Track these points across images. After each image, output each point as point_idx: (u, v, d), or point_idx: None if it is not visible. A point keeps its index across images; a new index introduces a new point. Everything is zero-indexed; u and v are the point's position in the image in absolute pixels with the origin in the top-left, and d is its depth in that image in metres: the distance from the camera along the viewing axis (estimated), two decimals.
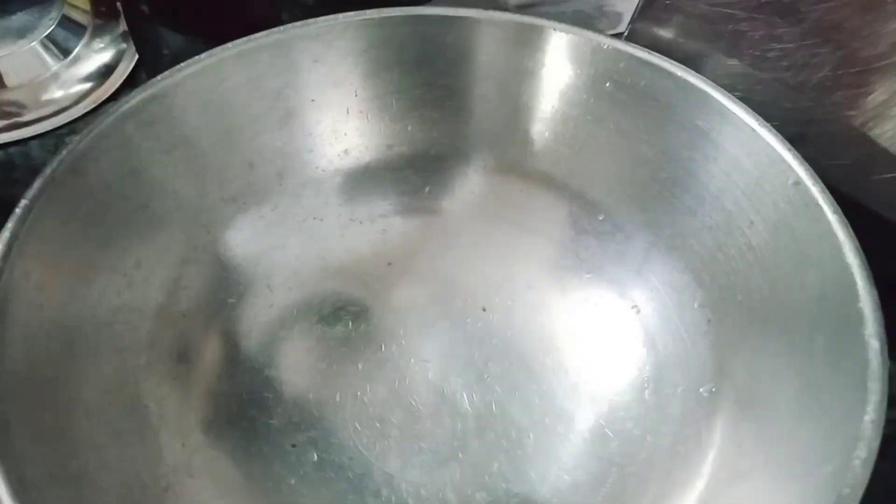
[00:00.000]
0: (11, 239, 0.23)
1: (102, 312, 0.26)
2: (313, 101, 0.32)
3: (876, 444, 0.19)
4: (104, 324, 0.26)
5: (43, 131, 0.37)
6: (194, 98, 0.29)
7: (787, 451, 0.22)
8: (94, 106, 0.38)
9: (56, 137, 0.36)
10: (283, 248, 0.32)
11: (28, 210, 0.24)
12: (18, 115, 0.37)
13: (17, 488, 0.19)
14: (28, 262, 0.24)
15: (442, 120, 0.34)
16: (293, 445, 0.28)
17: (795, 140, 0.26)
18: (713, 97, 0.28)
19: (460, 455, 0.28)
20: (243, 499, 0.26)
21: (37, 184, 0.24)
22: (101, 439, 0.24)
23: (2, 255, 0.22)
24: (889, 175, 0.29)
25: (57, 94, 0.38)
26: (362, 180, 0.34)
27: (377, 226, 0.34)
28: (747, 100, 0.28)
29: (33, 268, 0.24)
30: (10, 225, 0.23)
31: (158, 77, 0.28)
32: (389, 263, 0.34)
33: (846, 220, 0.24)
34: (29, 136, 0.36)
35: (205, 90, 0.29)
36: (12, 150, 0.36)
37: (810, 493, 0.20)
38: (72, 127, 0.37)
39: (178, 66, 0.28)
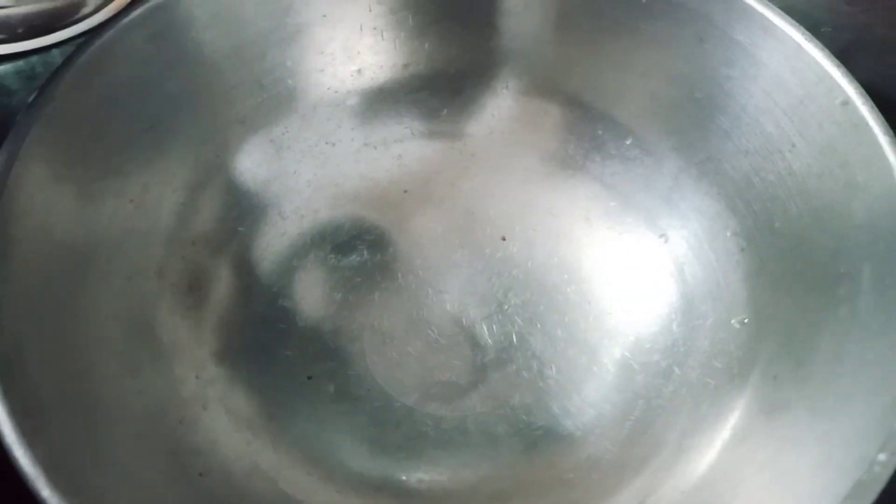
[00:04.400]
0: (9, 159, 0.22)
1: (111, 236, 0.25)
2: (325, 16, 0.30)
3: None
4: (114, 249, 0.25)
5: (65, 38, 0.34)
6: (200, 10, 0.27)
7: (829, 387, 0.21)
8: (116, 12, 0.35)
9: (77, 45, 0.34)
10: (294, 173, 0.31)
11: (26, 129, 0.22)
12: (38, 21, 0.35)
13: (20, 419, 0.18)
14: (31, 184, 0.22)
15: (462, 36, 0.32)
16: (309, 377, 0.27)
17: (849, 48, 0.24)
18: (754, 8, 0.26)
19: (480, 387, 0.28)
20: (258, 431, 0.25)
21: (33, 101, 0.23)
22: (114, 369, 0.24)
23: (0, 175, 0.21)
24: None
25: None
26: (377, 102, 0.32)
27: (393, 151, 0.33)
28: (798, 4, 0.26)
29: (38, 189, 0.23)
30: (6, 146, 0.22)
31: None
32: (406, 191, 0.32)
33: None
34: (50, 43, 0.34)
35: (211, 2, 0.27)
36: (34, 58, 0.34)
37: (860, 431, 0.19)
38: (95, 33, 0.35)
39: None
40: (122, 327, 0.24)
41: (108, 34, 0.25)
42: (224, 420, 0.25)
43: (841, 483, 0.17)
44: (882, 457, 0.17)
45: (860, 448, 0.18)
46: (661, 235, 0.30)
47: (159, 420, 0.24)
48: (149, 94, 0.26)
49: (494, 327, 0.29)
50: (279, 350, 0.28)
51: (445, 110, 0.33)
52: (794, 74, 0.25)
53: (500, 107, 0.33)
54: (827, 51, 0.25)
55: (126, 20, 0.25)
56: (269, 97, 0.30)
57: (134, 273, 0.25)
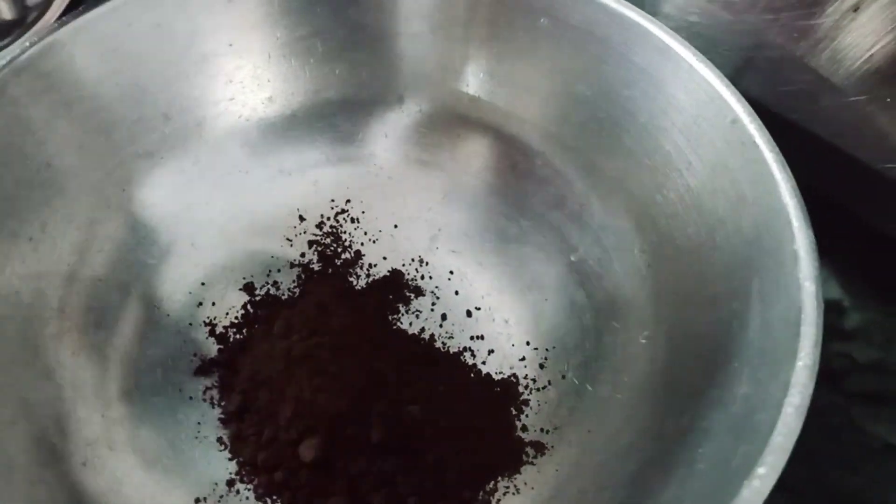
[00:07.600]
0: None
1: (6, 280, 0.25)
2: (231, 45, 0.30)
3: (809, 390, 0.19)
4: (8, 292, 0.25)
5: None
6: (96, 46, 0.27)
7: (721, 406, 0.21)
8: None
9: None
10: (206, 203, 0.31)
11: None
12: None
13: None
14: None
15: (372, 62, 0.32)
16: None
17: (743, 67, 0.24)
18: (649, 31, 0.27)
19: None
20: (170, 470, 0.25)
21: None
22: (10, 414, 0.23)
23: None
24: (837, 102, 0.28)
25: None
26: (291, 129, 0.32)
27: (309, 177, 0.33)
28: (695, 26, 0.26)
29: None
30: None
31: (54, 24, 0.26)
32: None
33: (783, 160, 0.23)
34: None
35: (107, 37, 0.27)
36: None
37: (742, 440, 0.19)
38: None
39: (74, 12, 0.26)
40: (18, 370, 0.24)
41: None
42: (132, 460, 0.25)
43: (722, 499, 0.18)
44: (762, 470, 0.18)
45: (742, 463, 0.18)
46: (574, 253, 0.30)
47: (61, 465, 0.23)
48: (42, 134, 0.26)
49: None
50: (191, 384, 0.27)
51: (360, 134, 0.33)
52: (688, 94, 0.26)
53: (413, 130, 0.33)
54: (717, 70, 0.25)
55: (12, 63, 0.24)
56: (177, 128, 0.30)
57: (32, 316, 0.25)
